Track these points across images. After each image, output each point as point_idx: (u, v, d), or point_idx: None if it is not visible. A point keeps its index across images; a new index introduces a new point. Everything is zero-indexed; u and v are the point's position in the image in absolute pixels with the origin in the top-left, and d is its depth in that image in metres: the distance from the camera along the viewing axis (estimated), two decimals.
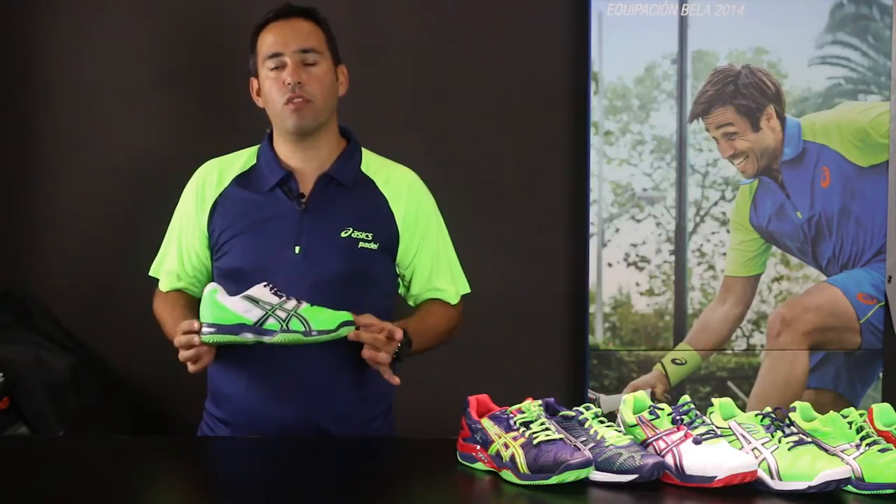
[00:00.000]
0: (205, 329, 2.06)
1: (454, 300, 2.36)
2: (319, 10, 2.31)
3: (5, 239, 3.36)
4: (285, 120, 2.23)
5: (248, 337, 2.05)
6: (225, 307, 2.06)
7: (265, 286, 2.08)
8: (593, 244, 3.30)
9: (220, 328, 2.05)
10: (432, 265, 2.32)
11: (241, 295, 2.06)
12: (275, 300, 2.06)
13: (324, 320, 2.06)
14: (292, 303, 2.06)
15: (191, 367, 2.10)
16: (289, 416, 2.19)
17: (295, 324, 2.05)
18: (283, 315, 2.05)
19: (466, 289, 2.39)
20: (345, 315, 2.08)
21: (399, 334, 2.11)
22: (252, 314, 2.05)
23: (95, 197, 3.37)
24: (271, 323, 2.05)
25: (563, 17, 3.37)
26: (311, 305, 2.07)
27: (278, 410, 2.19)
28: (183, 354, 2.09)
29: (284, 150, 2.28)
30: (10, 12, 3.35)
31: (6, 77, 3.35)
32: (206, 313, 2.07)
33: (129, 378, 3.38)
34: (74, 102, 3.36)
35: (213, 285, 2.09)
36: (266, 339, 2.05)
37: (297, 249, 2.19)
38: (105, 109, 3.36)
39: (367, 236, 2.23)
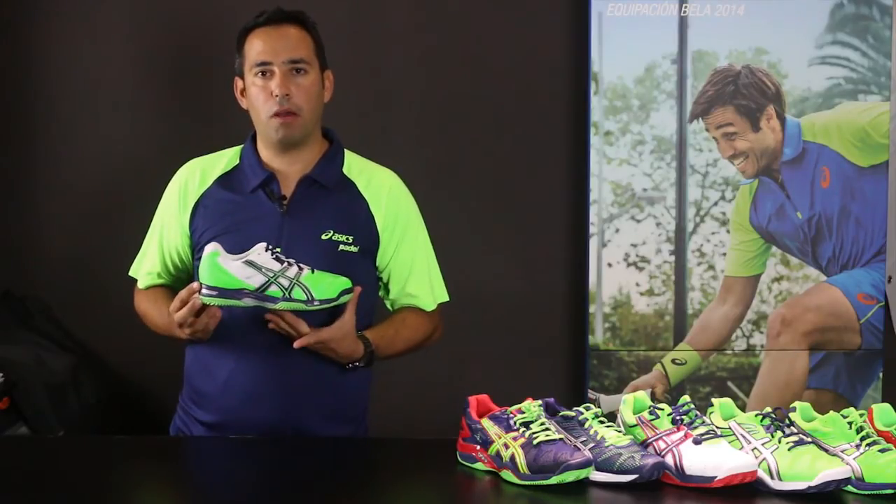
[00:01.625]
0: (205, 291, 2.05)
1: (429, 307, 2.34)
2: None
3: (5, 239, 3.36)
4: (271, 132, 2.22)
5: (249, 302, 2.05)
6: (227, 271, 2.05)
7: (266, 249, 2.07)
8: (593, 244, 3.30)
9: (222, 292, 2.04)
10: (410, 268, 2.31)
11: (243, 260, 2.06)
12: (276, 266, 2.06)
13: (325, 288, 2.07)
14: (294, 269, 2.07)
15: (187, 332, 2.12)
16: (265, 418, 2.18)
17: (297, 293, 2.05)
18: (285, 283, 2.05)
19: (445, 297, 2.38)
20: (345, 282, 2.09)
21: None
22: (254, 280, 2.05)
23: (96, 197, 3.37)
24: (273, 290, 2.05)
25: (563, 17, 3.37)
26: (313, 272, 2.08)
27: (254, 411, 2.19)
28: (187, 332, 2.10)
29: (267, 153, 2.28)
30: (8, 14, 3.34)
31: (5, 78, 3.35)
32: (207, 275, 2.06)
33: (129, 378, 3.38)
34: (75, 103, 3.36)
35: (214, 246, 2.08)
36: (268, 305, 2.06)
37: (277, 251, 2.19)
38: (106, 110, 3.36)
39: (347, 239, 2.22)
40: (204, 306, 2.07)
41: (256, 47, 2.22)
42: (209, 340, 2.16)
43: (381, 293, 2.36)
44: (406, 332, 2.30)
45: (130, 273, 2.38)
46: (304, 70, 2.21)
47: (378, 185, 2.30)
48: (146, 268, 2.34)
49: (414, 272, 2.32)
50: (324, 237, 2.21)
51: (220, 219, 2.24)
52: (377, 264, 2.30)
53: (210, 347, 2.19)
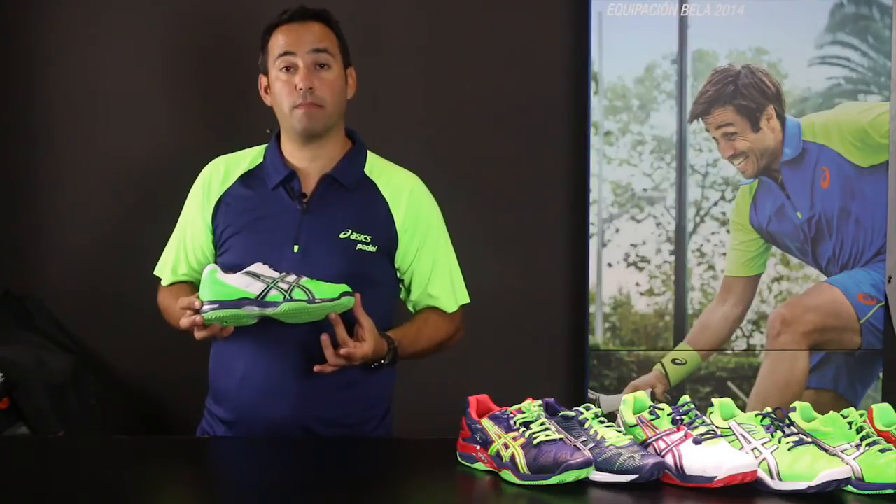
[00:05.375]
0: (206, 307, 2.04)
1: (451, 308, 2.35)
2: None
3: (5, 239, 3.36)
4: (294, 123, 2.24)
5: (252, 310, 2.04)
6: (226, 283, 2.05)
7: (264, 264, 2.08)
8: (593, 244, 3.30)
9: (223, 303, 2.03)
10: (431, 270, 2.32)
11: (242, 272, 2.07)
12: (276, 274, 2.07)
13: (325, 290, 2.07)
14: (293, 276, 2.07)
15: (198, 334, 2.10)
16: (279, 416, 2.19)
17: (298, 293, 2.05)
18: (284, 287, 2.05)
19: (466, 299, 2.39)
20: (344, 286, 2.08)
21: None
22: (254, 287, 2.04)
23: (96, 197, 3.37)
24: (274, 295, 2.04)
25: (563, 18, 3.36)
26: (311, 279, 2.08)
27: (269, 409, 2.19)
28: (197, 335, 2.09)
29: (290, 149, 2.30)
30: (13, 12, 3.34)
31: (7, 77, 3.35)
32: (207, 292, 2.05)
33: (129, 378, 3.38)
34: (75, 103, 3.36)
35: (211, 266, 2.09)
36: (269, 311, 2.04)
37: (295, 248, 2.20)
38: (106, 110, 3.36)
39: (365, 238, 2.23)
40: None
41: (280, 41, 2.24)
42: (228, 338, 2.16)
43: (402, 295, 2.37)
44: (428, 332, 2.31)
45: (156, 272, 2.39)
46: (328, 65, 2.24)
47: (399, 186, 2.31)
48: (170, 265, 2.36)
49: (435, 274, 2.33)
50: (342, 236, 2.23)
51: (241, 215, 2.26)
52: (397, 265, 2.31)
53: (228, 345, 2.20)
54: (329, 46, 2.25)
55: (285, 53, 2.23)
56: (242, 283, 2.05)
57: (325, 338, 2.08)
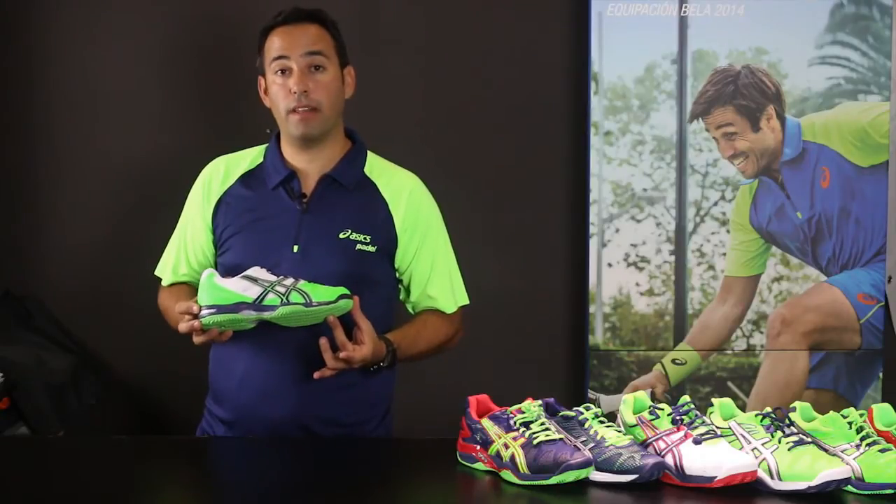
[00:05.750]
0: (204, 311, 2.05)
1: (450, 309, 2.36)
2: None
3: (5, 239, 3.36)
4: (291, 127, 2.24)
5: (250, 314, 2.04)
6: (223, 288, 2.06)
7: (262, 267, 2.09)
8: (593, 244, 3.30)
9: (220, 308, 2.04)
10: (430, 271, 2.32)
11: (240, 276, 2.07)
12: (273, 278, 2.07)
13: (323, 293, 2.07)
14: (290, 280, 2.07)
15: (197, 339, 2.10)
16: (279, 416, 2.19)
17: (295, 296, 2.05)
18: (282, 290, 2.05)
19: (465, 300, 2.39)
20: (342, 289, 2.08)
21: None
22: (251, 291, 2.05)
23: (96, 197, 3.37)
24: (271, 298, 2.05)
25: (563, 18, 3.36)
26: (309, 282, 2.08)
27: (268, 409, 2.20)
28: (196, 340, 2.09)
29: (290, 150, 2.30)
30: (13, 12, 3.34)
31: (7, 77, 3.35)
32: (205, 296, 2.06)
33: (129, 378, 3.38)
34: (75, 103, 3.35)
35: (209, 270, 2.10)
36: (267, 314, 2.04)
37: (295, 248, 2.21)
38: (106, 110, 3.36)
39: (365, 238, 2.24)
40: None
41: (275, 44, 2.25)
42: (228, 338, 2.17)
43: (401, 296, 2.37)
44: (427, 333, 2.31)
45: (156, 272, 2.39)
46: (323, 67, 2.24)
47: (398, 187, 2.31)
48: (170, 265, 2.37)
49: (434, 274, 2.33)
50: (341, 236, 2.23)
51: (241, 215, 2.27)
52: (396, 265, 2.31)
53: (228, 345, 2.20)
54: (324, 48, 2.25)
55: (280, 57, 2.23)
56: (240, 288, 2.05)
57: (323, 341, 2.08)
